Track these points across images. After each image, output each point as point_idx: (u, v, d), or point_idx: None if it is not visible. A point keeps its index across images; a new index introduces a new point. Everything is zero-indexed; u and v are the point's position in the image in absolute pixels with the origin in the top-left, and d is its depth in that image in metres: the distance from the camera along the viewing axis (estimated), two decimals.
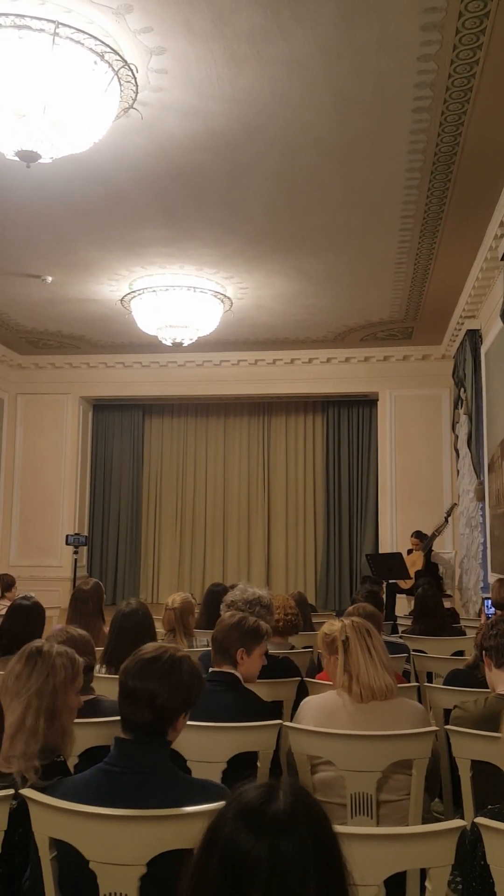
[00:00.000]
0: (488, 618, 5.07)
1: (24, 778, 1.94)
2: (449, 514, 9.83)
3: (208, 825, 1.02)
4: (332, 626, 2.74)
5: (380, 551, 10.58)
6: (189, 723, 2.53)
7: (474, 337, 8.48)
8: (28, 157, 4.43)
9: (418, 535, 9.58)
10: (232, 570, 12.07)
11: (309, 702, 2.75)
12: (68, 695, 2.20)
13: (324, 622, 5.62)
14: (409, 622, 5.74)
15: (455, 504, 9.70)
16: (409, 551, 9.51)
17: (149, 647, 1.98)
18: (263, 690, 3.08)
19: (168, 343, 8.74)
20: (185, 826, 1.66)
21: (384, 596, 8.78)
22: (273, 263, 7.66)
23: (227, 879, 0.96)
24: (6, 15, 3.91)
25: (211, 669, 2.91)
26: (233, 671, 2.86)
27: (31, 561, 11.36)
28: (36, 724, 2.07)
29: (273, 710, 2.92)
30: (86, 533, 11.77)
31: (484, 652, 2.72)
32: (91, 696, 2.80)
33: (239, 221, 6.68)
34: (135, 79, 4.60)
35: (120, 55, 4.35)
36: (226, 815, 1.01)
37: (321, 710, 2.64)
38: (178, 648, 2.04)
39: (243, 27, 4.16)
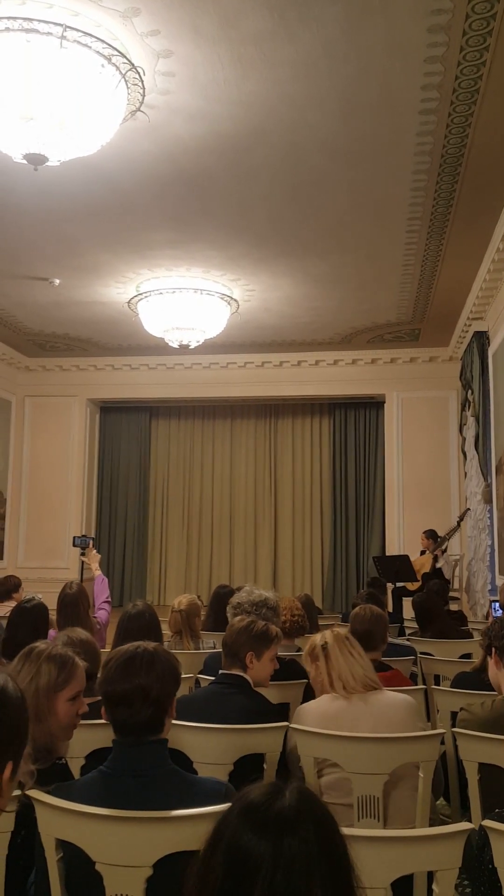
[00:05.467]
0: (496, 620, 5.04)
1: (21, 783, 1.91)
2: (461, 519, 9.75)
3: (214, 824, 1.01)
4: (312, 640, 2.86)
5: (387, 553, 10.56)
6: (195, 724, 2.54)
7: (482, 339, 8.46)
8: (35, 160, 4.45)
9: (430, 534, 9.50)
10: (238, 573, 12.07)
11: (305, 708, 2.75)
12: (54, 700, 2.17)
13: (331, 624, 5.62)
14: (415, 625, 5.72)
15: (468, 509, 9.61)
16: (423, 552, 9.46)
17: (120, 651, 1.98)
18: (270, 692, 3.08)
19: (175, 345, 8.75)
20: (191, 827, 1.66)
21: (391, 599, 8.80)
22: (280, 265, 7.66)
23: (230, 878, 0.95)
24: (14, 18, 3.93)
25: (221, 671, 2.91)
26: (242, 674, 2.86)
27: (38, 563, 11.38)
28: None
29: (280, 712, 2.92)
30: (93, 535, 11.78)
31: (495, 650, 2.70)
32: (98, 699, 2.80)
33: (245, 224, 6.69)
34: (142, 82, 4.61)
35: (127, 58, 4.36)
36: (231, 813, 1.00)
37: (320, 714, 2.63)
38: (144, 642, 2.03)
39: (250, 30, 4.17)
